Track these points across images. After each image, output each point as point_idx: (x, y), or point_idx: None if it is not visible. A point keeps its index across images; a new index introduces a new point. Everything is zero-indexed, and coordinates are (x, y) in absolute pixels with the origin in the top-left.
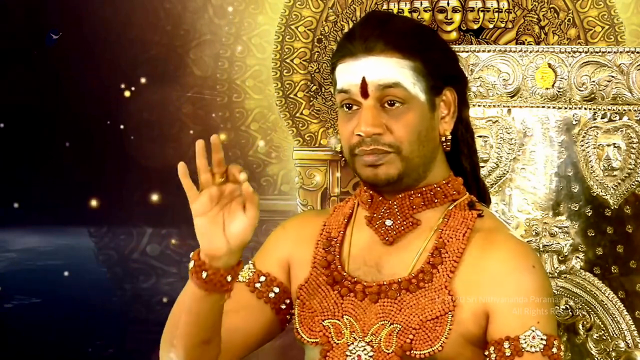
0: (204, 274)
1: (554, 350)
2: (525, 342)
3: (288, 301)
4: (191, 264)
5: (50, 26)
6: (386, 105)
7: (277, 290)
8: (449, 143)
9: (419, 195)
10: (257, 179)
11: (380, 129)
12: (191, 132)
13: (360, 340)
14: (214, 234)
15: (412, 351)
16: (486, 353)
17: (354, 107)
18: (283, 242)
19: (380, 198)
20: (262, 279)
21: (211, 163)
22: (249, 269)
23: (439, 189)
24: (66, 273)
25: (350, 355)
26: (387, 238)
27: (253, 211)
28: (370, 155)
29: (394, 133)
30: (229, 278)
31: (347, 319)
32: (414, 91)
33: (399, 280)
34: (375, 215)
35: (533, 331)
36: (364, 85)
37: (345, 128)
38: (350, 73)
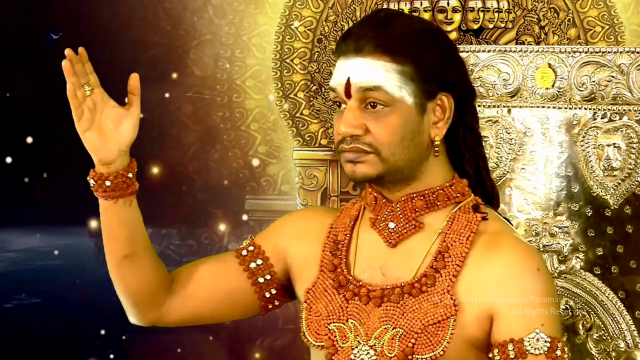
0: (108, 183)
1: (558, 352)
2: (530, 345)
3: (269, 277)
4: (92, 183)
5: (50, 26)
6: (369, 106)
7: (259, 262)
8: (437, 149)
9: (422, 198)
10: (257, 179)
11: (359, 130)
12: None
13: (364, 344)
14: (105, 140)
15: (414, 355)
16: (490, 355)
17: (343, 105)
18: (286, 230)
19: (384, 200)
20: (251, 248)
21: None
22: (247, 240)
23: (441, 191)
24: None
25: (354, 359)
26: (390, 240)
27: (136, 107)
28: (350, 152)
29: (374, 134)
30: (130, 175)
31: (352, 322)
32: (399, 94)
33: (402, 284)
34: (378, 217)
35: (537, 333)
36: (347, 85)
37: (335, 125)
38: (340, 72)
